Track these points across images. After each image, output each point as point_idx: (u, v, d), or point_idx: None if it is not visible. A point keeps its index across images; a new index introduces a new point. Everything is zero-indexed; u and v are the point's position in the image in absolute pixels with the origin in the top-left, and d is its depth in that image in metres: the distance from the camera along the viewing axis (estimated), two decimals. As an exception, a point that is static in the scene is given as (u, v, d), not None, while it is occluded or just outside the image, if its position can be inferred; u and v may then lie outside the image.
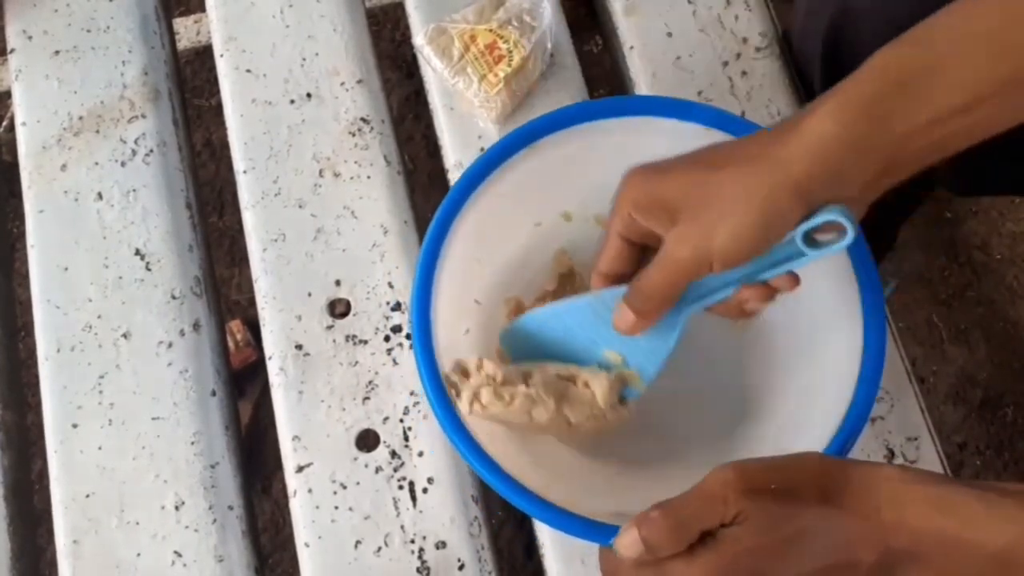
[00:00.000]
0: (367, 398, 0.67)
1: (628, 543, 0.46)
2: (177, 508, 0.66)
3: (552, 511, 0.56)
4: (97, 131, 0.75)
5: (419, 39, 0.74)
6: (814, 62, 0.75)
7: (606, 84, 1.21)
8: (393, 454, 0.66)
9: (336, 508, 0.65)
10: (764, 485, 0.46)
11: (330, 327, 0.69)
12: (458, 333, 0.63)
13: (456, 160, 0.73)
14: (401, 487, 0.65)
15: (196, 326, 0.70)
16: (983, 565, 0.45)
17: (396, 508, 0.65)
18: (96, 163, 0.74)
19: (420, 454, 0.66)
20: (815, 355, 0.62)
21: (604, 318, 0.59)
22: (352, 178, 0.73)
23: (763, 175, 0.51)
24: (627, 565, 0.48)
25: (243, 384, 1.20)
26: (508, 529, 1.17)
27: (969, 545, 0.45)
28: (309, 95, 0.75)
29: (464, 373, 0.59)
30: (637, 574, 0.48)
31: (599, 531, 0.55)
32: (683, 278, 0.54)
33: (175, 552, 0.65)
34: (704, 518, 0.46)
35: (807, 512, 0.46)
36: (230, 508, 0.66)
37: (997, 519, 0.45)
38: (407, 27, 0.79)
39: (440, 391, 0.58)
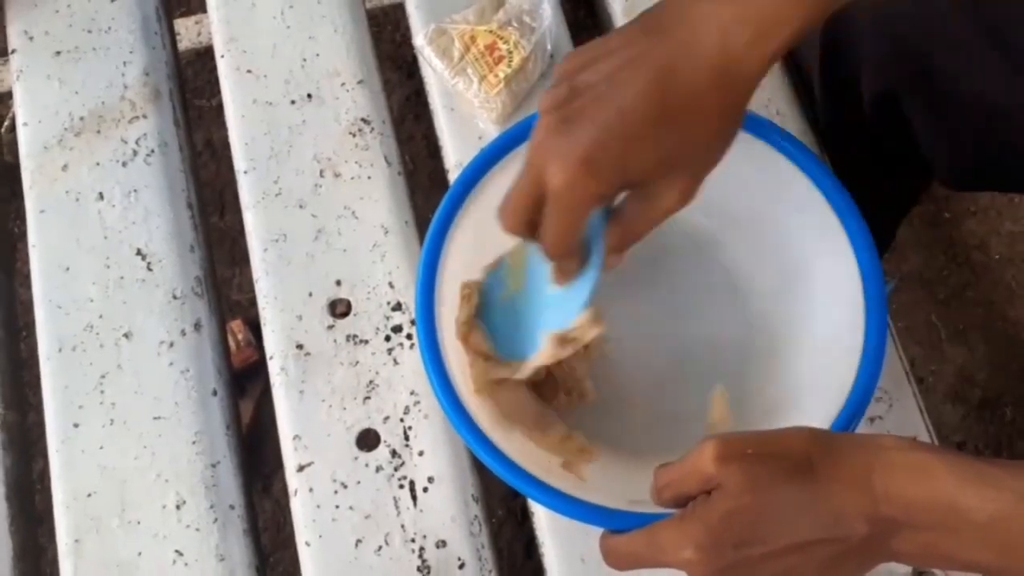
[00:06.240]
0: (368, 398, 0.68)
1: None
2: (178, 507, 0.66)
3: (557, 496, 0.56)
4: (98, 131, 0.75)
5: (419, 40, 0.75)
6: (812, 61, 0.75)
7: (606, 84, 1.20)
8: (393, 453, 0.66)
9: (337, 507, 0.65)
10: (741, 451, 0.47)
11: (331, 327, 0.69)
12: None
13: (456, 161, 0.73)
14: (401, 486, 0.66)
15: (197, 326, 0.70)
16: (973, 533, 0.45)
17: (396, 507, 0.65)
18: (97, 163, 0.74)
19: (420, 453, 0.66)
20: (816, 344, 0.62)
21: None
22: (353, 178, 0.73)
23: None
24: (623, 539, 0.51)
25: (244, 384, 1.20)
26: (508, 528, 1.17)
27: (960, 513, 0.45)
28: (310, 96, 0.76)
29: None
30: (631, 544, 0.50)
31: (606, 516, 0.55)
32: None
33: (176, 551, 0.65)
34: (684, 484, 0.48)
35: (791, 482, 0.46)
36: (231, 507, 0.66)
37: (988, 488, 0.45)
38: (407, 28, 0.80)
39: (444, 379, 0.58)
